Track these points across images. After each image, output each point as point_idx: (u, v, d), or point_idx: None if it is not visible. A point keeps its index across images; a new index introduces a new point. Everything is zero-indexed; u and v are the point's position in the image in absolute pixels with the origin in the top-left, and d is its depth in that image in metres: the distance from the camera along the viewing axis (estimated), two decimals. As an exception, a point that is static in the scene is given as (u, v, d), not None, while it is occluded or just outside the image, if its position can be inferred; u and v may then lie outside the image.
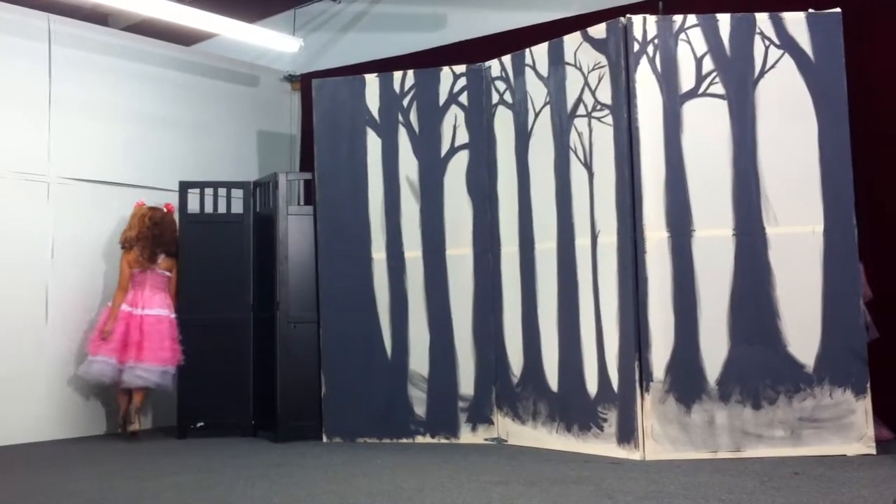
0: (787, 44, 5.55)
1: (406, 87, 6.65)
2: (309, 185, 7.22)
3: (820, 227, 5.41)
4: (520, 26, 7.68)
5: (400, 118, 6.65)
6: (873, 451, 5.21)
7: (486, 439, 6.32)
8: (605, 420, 5.63)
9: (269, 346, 6.83)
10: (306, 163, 8.57)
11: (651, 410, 5.39)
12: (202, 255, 7.13)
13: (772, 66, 5.56)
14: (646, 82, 5.60)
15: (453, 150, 6.54)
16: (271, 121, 8.98)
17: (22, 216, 7.01)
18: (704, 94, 5.59)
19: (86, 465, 5.73)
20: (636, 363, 5.44)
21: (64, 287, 7.19)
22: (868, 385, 5.28)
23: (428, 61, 7.37)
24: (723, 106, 5.56)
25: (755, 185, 5.48)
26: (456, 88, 6.56)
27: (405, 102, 6.65)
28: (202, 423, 7.02)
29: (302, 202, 7.26)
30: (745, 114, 5.53)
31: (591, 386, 5.73)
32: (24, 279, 6.98)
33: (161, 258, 7.09)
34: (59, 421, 7.06)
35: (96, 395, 7.29)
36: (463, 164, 6.51)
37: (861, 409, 5.27)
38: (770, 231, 5.45)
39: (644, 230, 5.51)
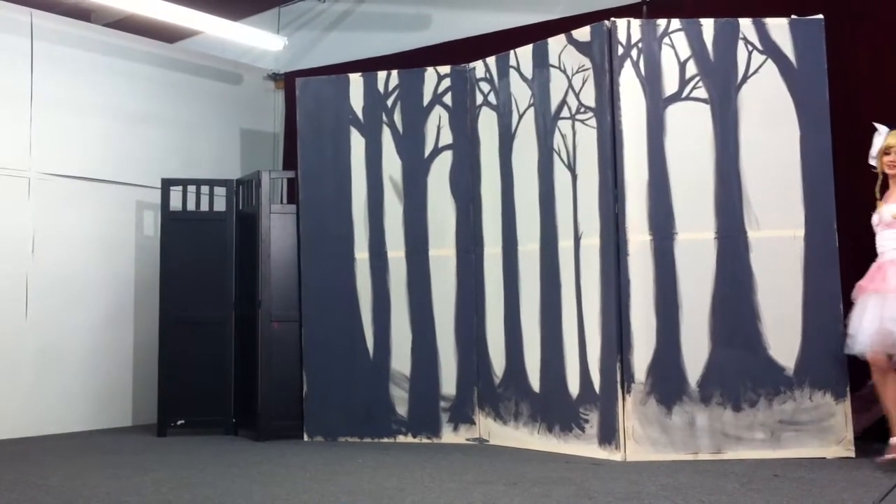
0: (770, 49, 5.59)
1: (390, 87, 6.65)
2: (292, 183, 7.21)
3: (801, 232, 5.45)
4: (504, 28, 7.70)
5: (384, 118, 6.65)
6: (853, 454, 5.25)
7: (467, 439, 6.32)
8: (586, 421, 5.65)
9: (251, 344, 6.82)
10: (289, 161, 8.55)
11: (632, 412, 5.42)
12: (184, 253, 7.10)
13: (755, 71, 5.59)
14: (629, 86, 5.62)
15: (437, 151, 6.55)
16: (255, 119, 8.97)
17: (2, 211, 6.98)
18: (688, 98, 5.62)
19: (65, 461, 5.69)
20: (618, 365, 5.46)
21: (44, 282, 7.15)
22: (848, 388, 5.33)
23: (412, 62, 7.38)
24: (706, 110, 5.60)
25: (737, 189, 5.52)
26: (440, 89, 6.57)
27: (389, 102, 6.65)
28: (182, 421, 7.00)
29: (285, 201, 7.26)
30: (728, 118, 5.57)
31: (573, 387, 5.75)
32: (3, 274, 6.94)
33: None
34: (38, 417, 7.02)
35: (76, 390, 7.26)
36: (447, 165, 6.52)
37: (841, 412, 5.31)
38: (752, 235, 5.48)
39: (627, 233, 5.53)
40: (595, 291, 5.64)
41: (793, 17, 5.61)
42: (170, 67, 8.24)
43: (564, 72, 5.92)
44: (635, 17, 5.87)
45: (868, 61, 6.16)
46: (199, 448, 6.29)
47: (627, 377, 5.44)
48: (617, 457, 5.41)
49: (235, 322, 7.12)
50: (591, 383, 5.64)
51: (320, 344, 6.60)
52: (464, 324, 6.37)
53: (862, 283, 5.21)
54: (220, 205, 7.25)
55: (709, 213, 5.52)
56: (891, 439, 4.94)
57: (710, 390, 5.41)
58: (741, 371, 5.40)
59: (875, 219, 5.26)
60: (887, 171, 5.29)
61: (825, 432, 5.32)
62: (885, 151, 5.28)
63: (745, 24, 5.62)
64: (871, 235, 5.99)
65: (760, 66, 5.59)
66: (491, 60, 6.40)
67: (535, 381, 6.01)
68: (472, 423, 6.34)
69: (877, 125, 5.43)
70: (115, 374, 7.58)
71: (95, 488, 4.77)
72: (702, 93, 5.61)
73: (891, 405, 5.00)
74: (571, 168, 5.86)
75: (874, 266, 5.20)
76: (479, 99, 6.44)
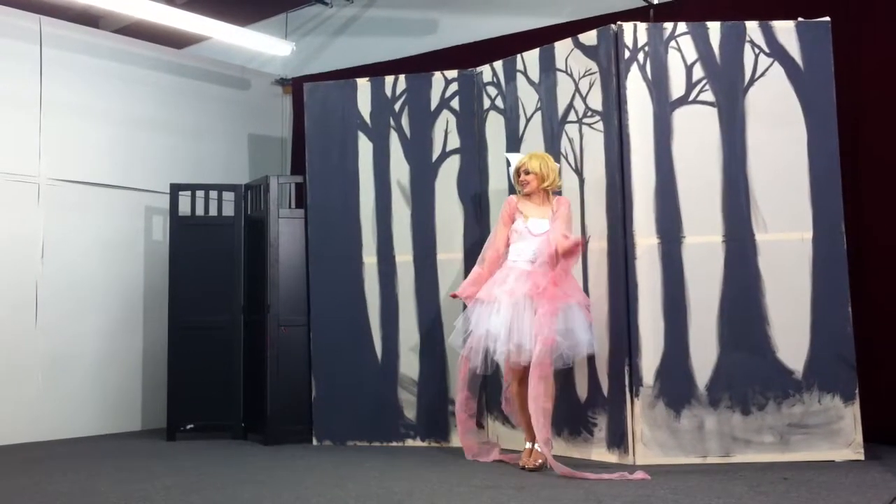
0: (777, 52, 5.59)
1: (398, 92, 6.67)
2: (300, 188, 7.22)
3: (809, 235, 5.44)
4: (511, 32, 7.70)
5: (391, 122, 6.66)
6: (861, 457, 5.24)
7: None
8: (594, 425, 5.65)
9: (260, 348, 6.83)
10: (298, 166, 8.57)
11: (641, 415, 5.41)
12: (193, 258, 7.11)
13: (761, 74, 5.59)
14: (636, 89, 5.62)
15: (444, 155, 6.56)
16: (262, 124, 8.99)
17: (12, 217, 7.01)
18: (694, 102, 5.62)
19: (74, 466, 5.71)
20: (626, 368, 5.45)
21: (53, 288, 7.18)
22: (857, 391, 5.31)
23: (419, 66, 7.38)
24: (713, 113, 5.59)
25: (745, 192, 5.51)
26: (447, 93, 6.58)
27: (397, 107, 6.67)
28: (192, 426, 7.02)
29: (293, 206, 7.25)
30: (735, 121, 5.56)
31: (581, 391, 5.74)
32: (13, 280, 6.97)
33: None
34: (47, 422, 7.04)
35: (86, 395, 7.28)
36: (454, 169, 6.52)
37: (849, 416, 5.29)
38: (759, 238, 5.48)
39: (634, 236, 5.52)
40: (603, 295, 5.64)
41: (799, 19, 5.61)
42: (178, 73, 8.27)
43: (571, 76, 5.92)
44: (642, 20, 5.87)
45: (871, 63, 6.15)
46: (209, 452, 6.30)
47: (636, 381, 5.44)
48: (626, 461, 5.40)
49: (244, 327, 7.13)
50: (599, 387, 5.64)
51: (329, 348, 6.62)
52: (472, 328, 6.36)
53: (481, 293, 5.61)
54: (228, 210, 7.27)
55: (716, 217, 5.52)
56: (529, 444, 5.42)
57: (719, 394, 5.40)
58: (750, 374, 5.39)
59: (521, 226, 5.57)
60: (523, 189, 5.62)
61: (834, 435, 5.31)
62: (517, 172, 5.64)
63: (752, 27, 5.62)
64: (877, 236, 6.01)
65: (767, 69, 5.58)
66: (498, 65, 6.41)
67: (543, 384, 5.99)
68: (481, 426, 6.34)
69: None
70: (124, 379, 7.61)
71: (105, 493, 4.78)
72: (709, 96, 5.61)
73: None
74: (578, 171, 5.86)
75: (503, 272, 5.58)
76: (487, 103, 6.45)
